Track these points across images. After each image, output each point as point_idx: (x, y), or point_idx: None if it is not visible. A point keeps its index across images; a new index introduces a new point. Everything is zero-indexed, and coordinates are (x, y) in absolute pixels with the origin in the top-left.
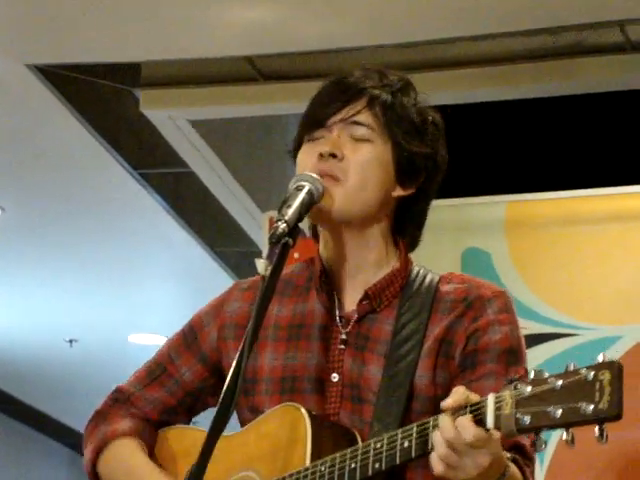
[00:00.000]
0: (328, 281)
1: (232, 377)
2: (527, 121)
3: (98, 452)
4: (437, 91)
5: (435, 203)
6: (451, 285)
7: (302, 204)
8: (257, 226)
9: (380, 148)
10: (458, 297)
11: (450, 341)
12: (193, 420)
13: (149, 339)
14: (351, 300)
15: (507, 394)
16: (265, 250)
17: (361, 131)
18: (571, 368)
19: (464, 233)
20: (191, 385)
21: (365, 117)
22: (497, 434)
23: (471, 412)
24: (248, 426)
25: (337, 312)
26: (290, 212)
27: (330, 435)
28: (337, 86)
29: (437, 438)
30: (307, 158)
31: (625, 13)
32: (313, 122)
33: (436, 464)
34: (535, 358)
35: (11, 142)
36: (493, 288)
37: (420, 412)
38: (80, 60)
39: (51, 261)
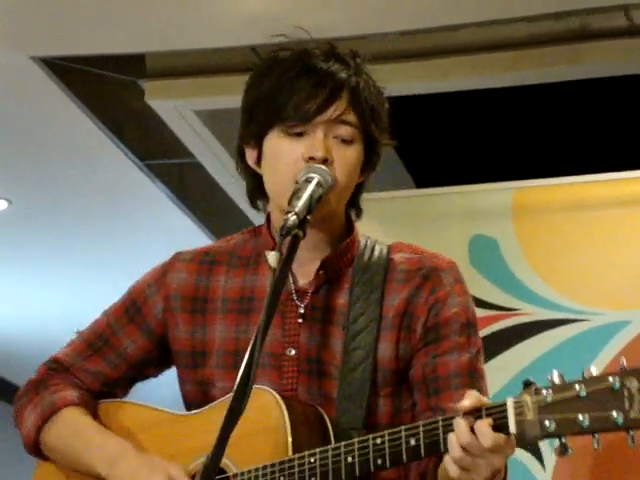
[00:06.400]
0: None
1: (246, 366)
2: (533, 107)
3: (45, 419)
4: (442, 78)
5: (442, 190)
6: (403, 254)
7: (312, 196)
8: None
9: (359, 147)
10: (412, 267)
11: (411, 314)
12: None
13: None
14: (306, 274)
15: (527, 399)
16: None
17: (347, 131)
18: (588, 373)
19: (471, 220)
20: (134, 358)
21: (351, 116)
22: (513, 438)
23: (489, 416)
24: (211, 406)
25: (292, 286)
26: (300, 204)
27: (304, 419)
28: (311, 75)
29: (452, 441)
30: (291, 154)
31: None
32: (296, 117)
33: (450, 466)
34: (544, 344)
35: (16, 134)
36: (446, 259)
37: (382, 385)
38: (84, 52)
39: (58, 252)
